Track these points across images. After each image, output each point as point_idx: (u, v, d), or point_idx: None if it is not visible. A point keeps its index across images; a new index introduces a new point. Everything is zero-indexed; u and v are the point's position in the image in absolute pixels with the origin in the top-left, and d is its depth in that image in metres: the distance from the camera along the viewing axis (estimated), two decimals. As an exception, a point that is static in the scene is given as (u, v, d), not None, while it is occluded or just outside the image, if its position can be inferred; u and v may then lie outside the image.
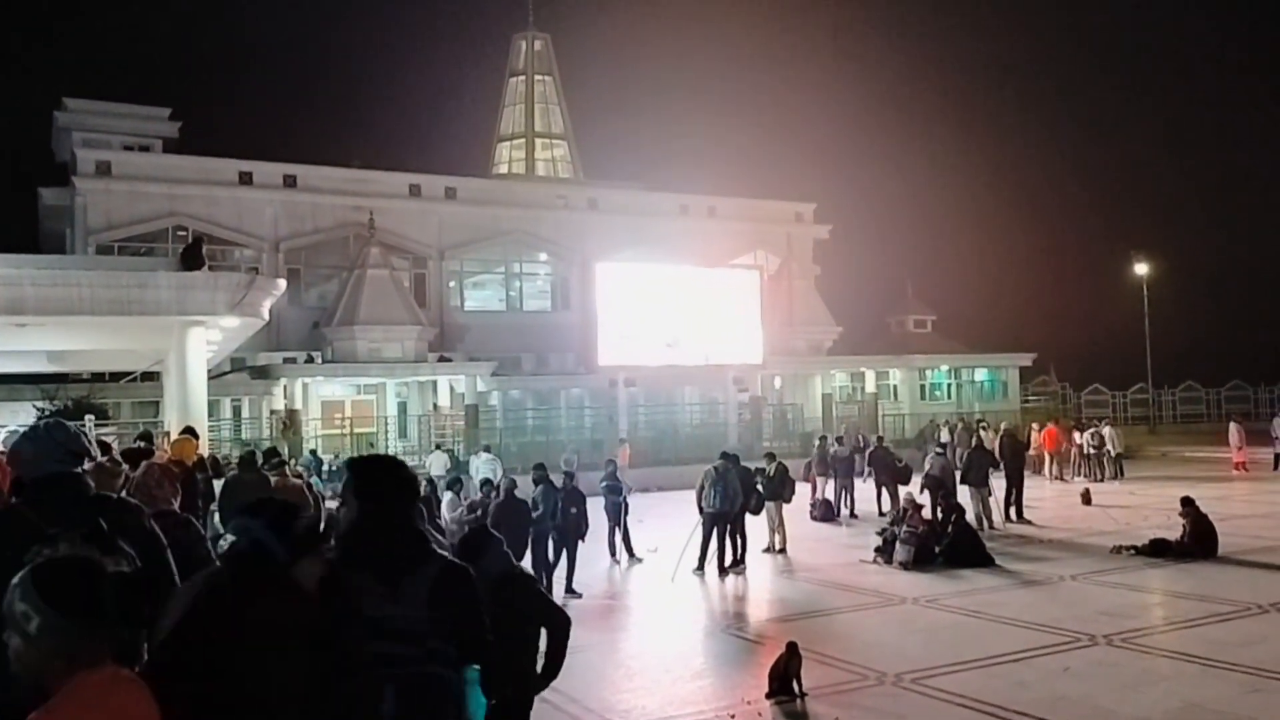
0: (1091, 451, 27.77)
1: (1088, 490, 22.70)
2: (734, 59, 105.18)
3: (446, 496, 14.75)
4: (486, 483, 15.56)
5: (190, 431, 12.87)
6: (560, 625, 5.03)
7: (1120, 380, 49.96)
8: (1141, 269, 46.64)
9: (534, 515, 13.07)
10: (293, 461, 21.84)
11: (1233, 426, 29.65)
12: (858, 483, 22.09)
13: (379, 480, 3.37)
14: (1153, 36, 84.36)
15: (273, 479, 10.88)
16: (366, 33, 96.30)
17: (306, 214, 35.75)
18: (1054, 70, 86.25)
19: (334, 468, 24.87)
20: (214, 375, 29.83)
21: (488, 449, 26.49)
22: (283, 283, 19.92)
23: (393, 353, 32.78)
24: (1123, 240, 53.15)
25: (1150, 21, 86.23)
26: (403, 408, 33.90)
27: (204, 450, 13.78)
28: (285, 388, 30.95)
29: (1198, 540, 14.64)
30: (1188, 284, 53.14)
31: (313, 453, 26.16)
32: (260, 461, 11.80)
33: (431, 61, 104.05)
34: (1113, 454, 27.99)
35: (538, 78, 50.64)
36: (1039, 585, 13.01)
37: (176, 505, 4.70)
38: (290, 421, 29.96)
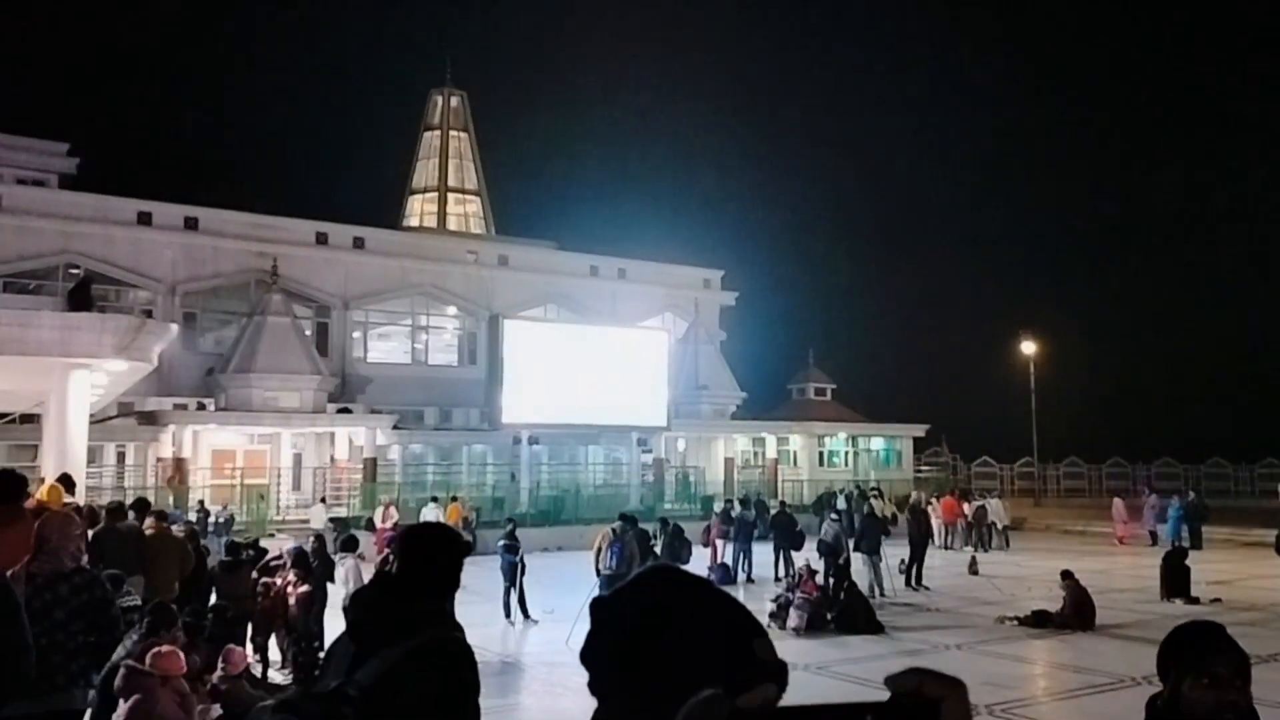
0: (974, 522, 28.59)
1: (974, 560, 23.30)
2: (647, 127, 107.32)
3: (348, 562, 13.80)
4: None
5: (65, 479, 12.30)
6: None
7: (1008, 453, 51.72)
8: (1029, 347, 48.58)
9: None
10: (178, 512, 21.10)
11: (1117, 502, 31.03)
12: (755, 547, 22.27)
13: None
14: (1048, 116, 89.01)
15: (147, 531, 10.40)
16: (280, 78, 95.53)
17: (207, 257, 34.90)
18: (951, 149, 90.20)
19: (221, 519, 24.03)
20: (98, 419, 28.63)
21: (435, 499, 26.16)
22: (174, 327, 19.36)
23: (290, 402, 31.98)
24: (1013, 318, 55.49)
25: (1044, 103, 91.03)
26: (298, 459, 32.99)
27: (81, 499, 13.17)
28: (174, 435, 29.86)
29: (1076, 612, 15.12)
30: (1073, 362, 55.60)
31: (200, 503, 25.23)
32: (134, 513, 11.27)
33: (344, 111, 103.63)
34: (999, 526, 28.82)
35: (453, 133, 50.78)
36: (926, 654, 13.23)
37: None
38: (177, 470, 28.89)
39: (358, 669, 2.72)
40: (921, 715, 1.06)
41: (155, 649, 6.44)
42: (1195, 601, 17.68)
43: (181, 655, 6.38)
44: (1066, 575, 15.77)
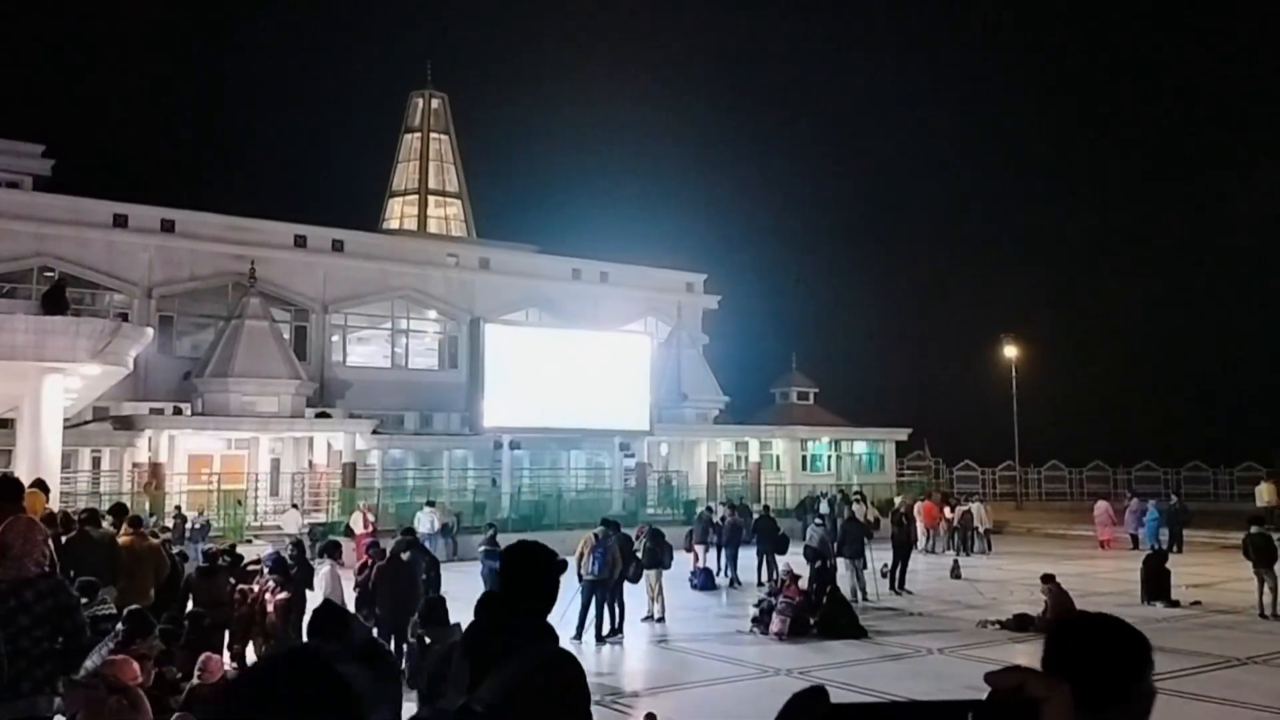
0: (958, 526, 28.64)
1: (957, 563, 23.33)
2: (629, 130, 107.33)
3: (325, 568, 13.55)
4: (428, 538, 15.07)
5: (40, 484, 12.10)
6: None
7: (990, 457, 51.90)
8: (1011, 351, 48.79)
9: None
10: (154, 519, 20.83)
11: (1100, 505, 31.15)
12: (740, 550, 22.23)
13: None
14: (1031, 118, 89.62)
15: (123, 539, 10.21)
16: (258, 79, 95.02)
17: (184, 260, 34.57)
18: (935, 152, 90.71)
19: (198, 525, 23.74)
20: (73, 424, 28.30)
21: (431, 503, 26.00)
22: (150, 331, 19.12)
23: (268, 407, 31.69)
24: (996, 322, 55.76)
25: (1026, 107, 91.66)
26: (276, 464, 32.68)
27: (55, 505, 12.97)
28: (150, 440, 29.54)
29: (1058, 616, 15.11)
30: (1054, 366, 55.85)
31: (177, 509, 24.93)
32: (111, 519, 11.09)
33: (324, 113, 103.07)
34: (981, 529, 28.89)
35: (434, 135, 50.54)
36: (908, 658, 13.21)
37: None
38: (153, 476, 28.56)
39: (476, 685, 2.91)
40: (1023, 715, 1.01)
41: (109, 657, 6.30)
42: (1175, 604, 17.75)
43: (135, 664, 6.22)
44: (1048, 579, 15.79)
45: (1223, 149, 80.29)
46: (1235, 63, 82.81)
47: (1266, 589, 16.72)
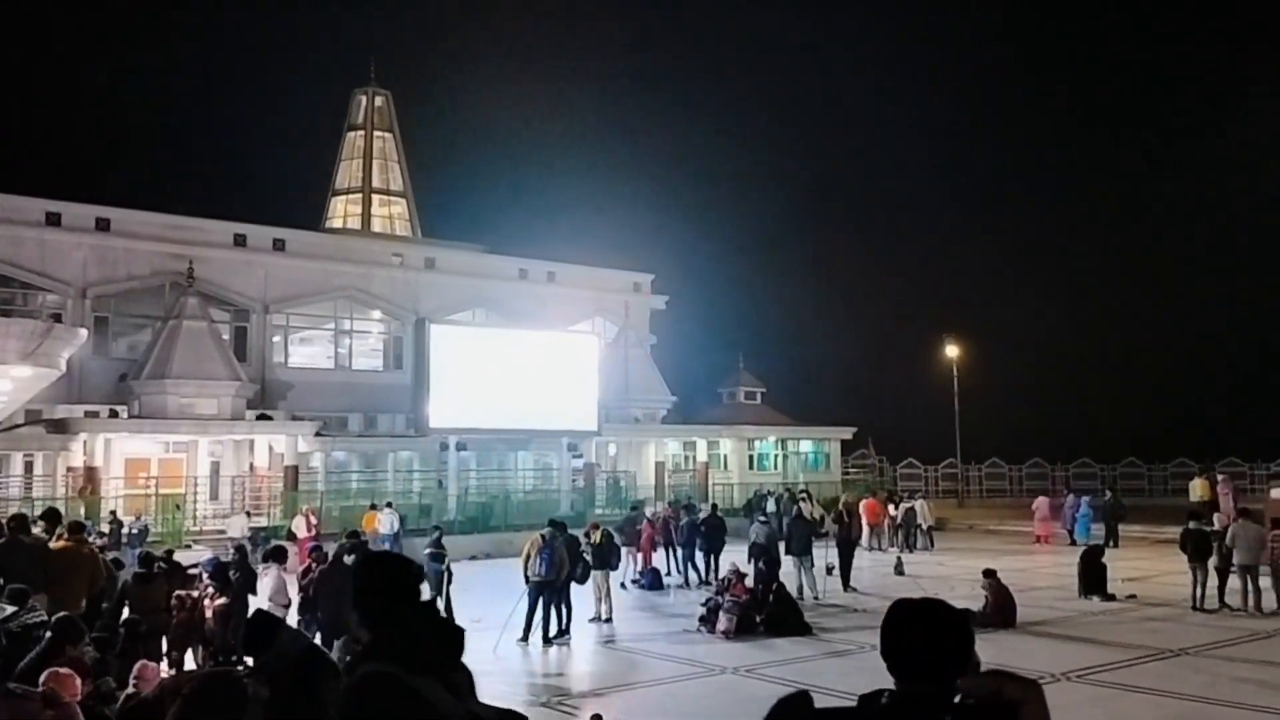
0: (901, 524, 29.02)
1: (900, 560, 23.64)
2: (577, 130, 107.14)
3: (272, 572, 13.11)
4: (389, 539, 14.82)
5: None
6: None
7: (932, 454, 52.63)
8: (952, 351, 49.61)
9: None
10: (90, 524, 20.31)
11: (1040, 500, 31.75)
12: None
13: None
14: (967, 121, 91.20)
15: (55, 544, 9.94)
16: (197, 75, 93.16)
17: (120, 260, 33.78)
18: (877, 154, 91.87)
19: (135, 530, 23.22)
20: (4, 427, 27.55)
21: (390, 505, 25.95)
22: (84, 332, 18.69)
23: (207, 409, 31.09)
24: (938, 322, 56.61)
25: (965, 107, 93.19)
26: (215, 468, 32.08)
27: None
28: (85, 443, 28.82)
29: (998, 610, 15.40)
30: (995, 364, 56.82)
31: (113, 514, 24.34)
32: (43, 524, 10.79)
33: (265, 111, 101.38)
34: (924, 527, 29.31)
35: (378, 133, 49.96)
36: (852, 654, 13.35)
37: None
38: (88, 480, 27.87)
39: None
40: (1000, 717, 1.03)
41: (52, 669, 6.11)
42: (1111, 598, 18.16)
43: (77, 679, 6.05)
44: (989, 574, 16.07)
45: (1151, 148, 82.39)
46: (1159, 53, 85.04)
47: (1200, 582, 17.17)
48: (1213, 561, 17.26)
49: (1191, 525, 17.97)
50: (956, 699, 2.45)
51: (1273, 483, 30.98)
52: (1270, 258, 64.94)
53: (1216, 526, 18.90)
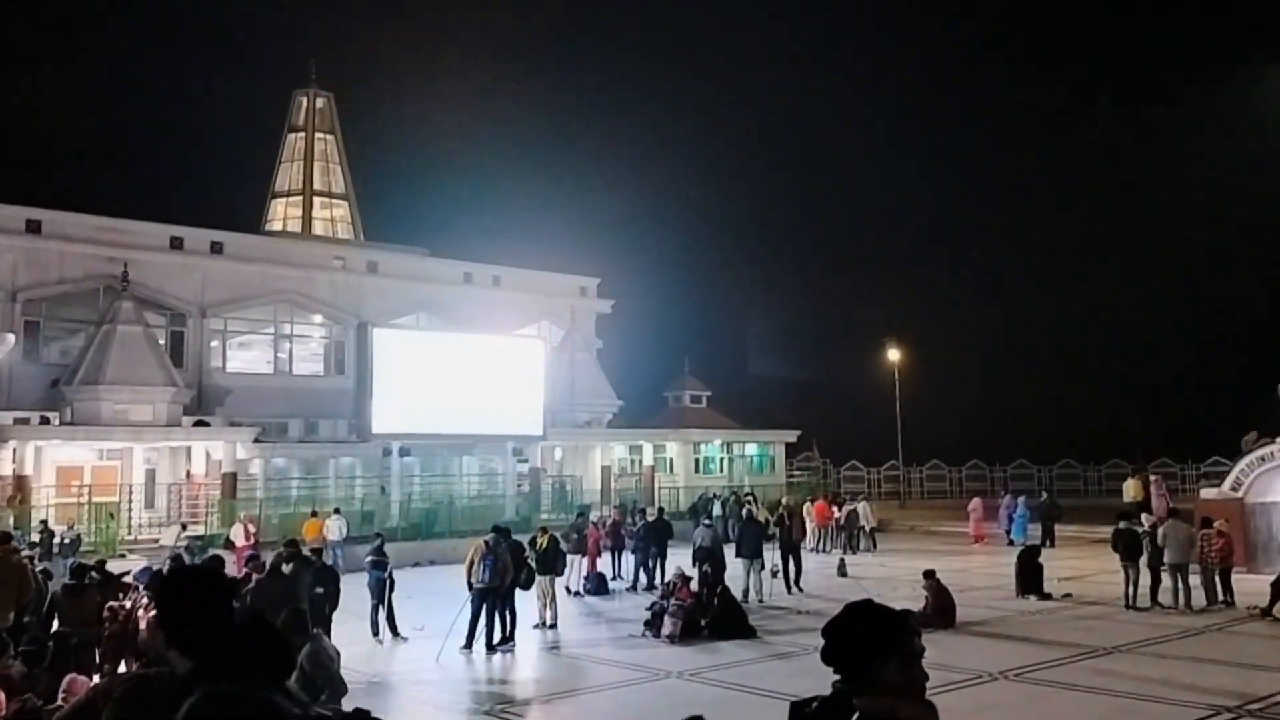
0: (844, 526, 29.36)
1: (843, 562, 23.91)
2: (522, 132, 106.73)
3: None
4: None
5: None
6: None
7: (875, 457, 53.30)
8: (894, 354, 50.36)
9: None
10: (19, 534, 19.74)
11: (975, 501, 32.39)
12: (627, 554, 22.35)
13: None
14: (906, 126, 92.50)
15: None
16: (133, 73, 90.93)
17: (51, 263, 32.86)
18: (820, 156, 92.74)
19: (67, 540, 22.63)
20: (-73, 436, 26.69)
21: (338, 511, 25.96)
22: (12, 337, 18.19)
23: (142, 415, 30.37)
24: (880, 326, 57.26)
25: (905, 111, 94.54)
26: (151, 475, 31.35)
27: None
28: (15, 451, 27.99)
29: (938, 611, 15.63)
30: (935, 368, 57.63)
31: (43, 523, 23.68)
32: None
33: (202, 110, 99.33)
34: (867, 528, 29.67)
35: (319, 135, 49.29)
36: (795, 657, 13.46)
37: None
38: (18, 489, 27.09)
39: None
40: None
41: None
42: (1048, 597, 18.53)
43: (2, 695, 5.88)
44: (929, 575, 16.31)
45: (1085, 154, 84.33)
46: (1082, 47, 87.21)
47: (1132, 581, 17.61)
48: (1144, 560, 17.72)
49: (1122, 525, 18.42)
50: (855, 717, 2.53)
51: (1203, 483, 31.85)
52: (1201, 260, 66.78)
53: (1146, 526, 19.39)
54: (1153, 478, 31.06)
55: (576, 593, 20.20)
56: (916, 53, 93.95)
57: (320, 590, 12.83)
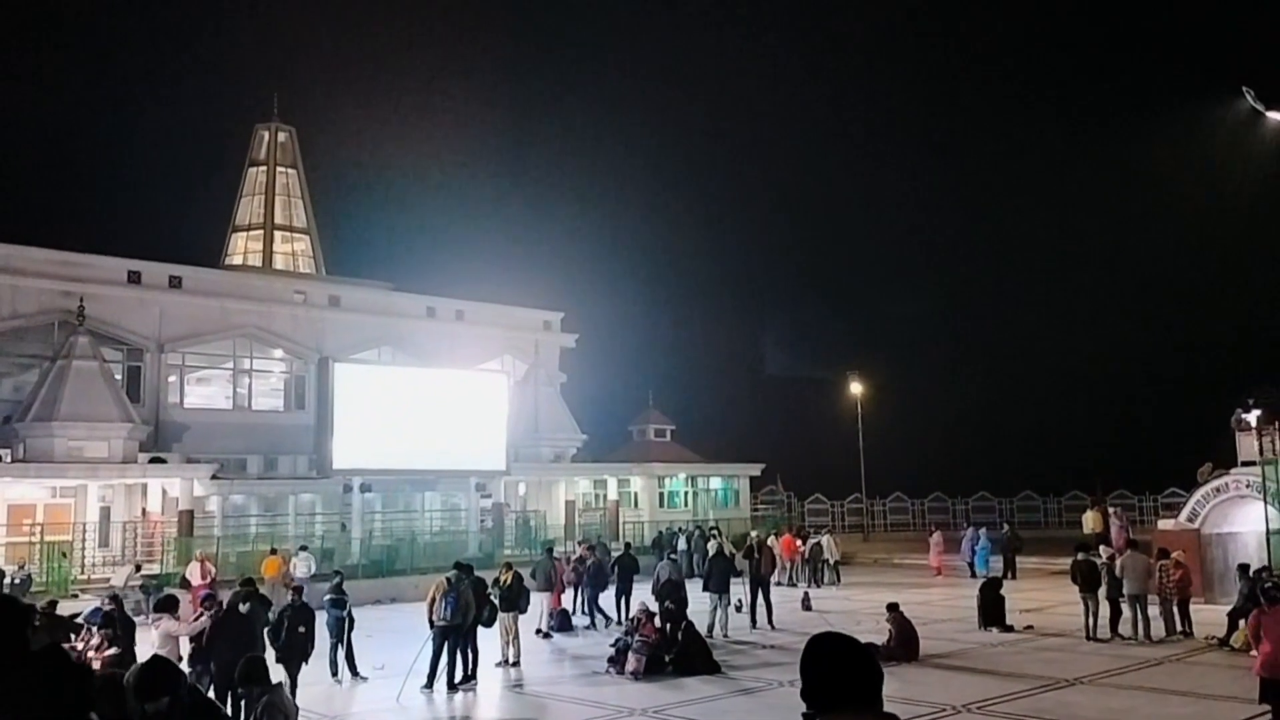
0: (809, 559, 29.38)
1: (807, 595, 23.88)
2: (485, 167, 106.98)
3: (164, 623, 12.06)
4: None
5: None
6: None
7: (839, 490, 53.50)
8: (856, 388, 50.74)
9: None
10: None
11: (936, 534, 32.60)
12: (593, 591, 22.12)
13: None
14: (873, 157, 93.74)
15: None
16: (90, 106, 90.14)
17: (4, 297, 32.28)
18: (783, 190, 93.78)
19: (17, 580, 22.08)
20: None
21: (304, 548, 25.85)
22: (-36, 372, 17.72)
23: (97, 452, 29.79)
24: (842, 360, 57.68)
25: (872, 141, 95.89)
26: (106, 513, 30.70)
27: None
28: (-37, 490, 27.35)
29: (902, 644, 15.65)
30: (897, 402, 58.07)
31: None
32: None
33: (162, 144, 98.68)
34: (831, 561, 29.70)
35: (280, 169, 49.08)
36: (759, 692, 13.39)
37: None
38: (-34, 528, 26.41)
39: None
40: None
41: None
42: (1010, 629, 18.62)
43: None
44: (892, 608, 16.33)
45: (1045, 182, 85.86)
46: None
47: (1092, 612, 17.75)
48: (1103, 591, 17.87)
49: (1080, 557, 18.60)
50: None
51: (1161, 514, 32.26)
52: (1158, 294, 68.09)
53: (1104, 558, 19.58)
54: (1112, 509, 31.43)
55: (545, 633, 19.89)
56: (873, 102, 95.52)
57: (303, 630, 12.65)
